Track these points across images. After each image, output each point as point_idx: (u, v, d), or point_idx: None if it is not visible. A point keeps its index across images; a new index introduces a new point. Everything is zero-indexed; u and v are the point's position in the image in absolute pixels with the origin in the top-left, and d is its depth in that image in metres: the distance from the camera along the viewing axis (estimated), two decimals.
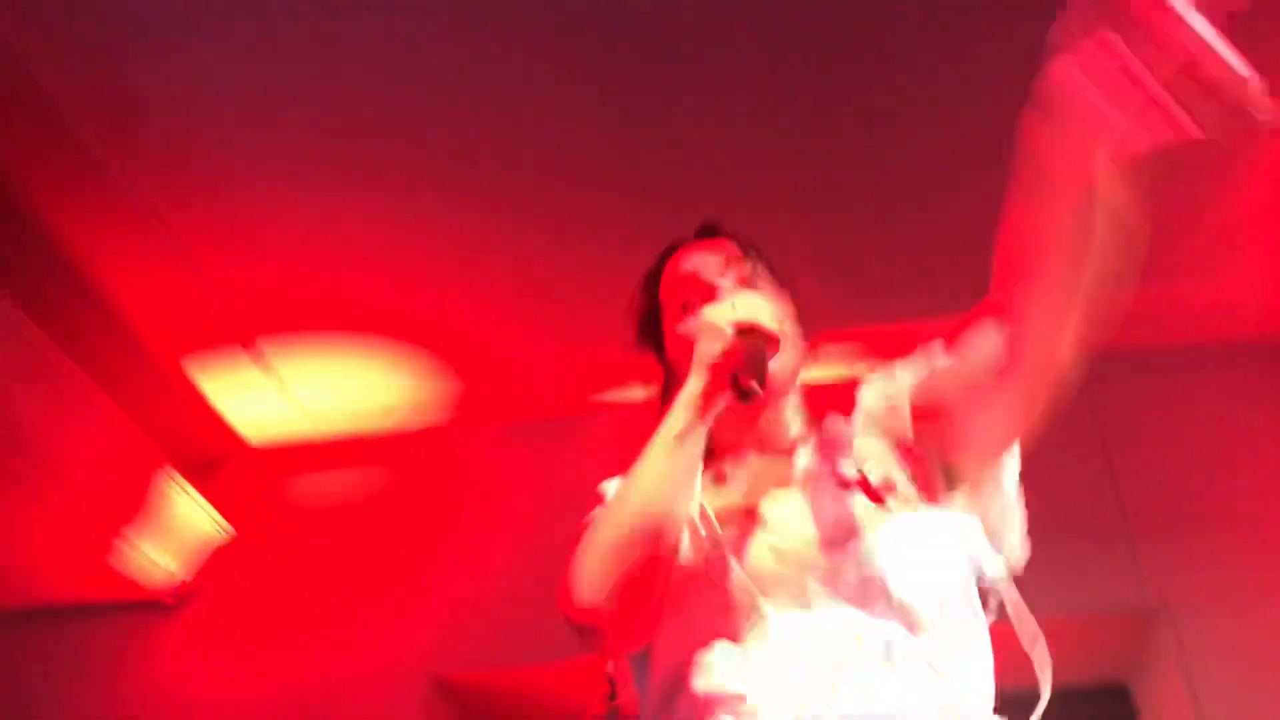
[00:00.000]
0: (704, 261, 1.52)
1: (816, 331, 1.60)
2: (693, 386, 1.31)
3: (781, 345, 1.36)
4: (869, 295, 3.85)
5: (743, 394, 1.29)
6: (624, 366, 4.11)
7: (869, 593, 1.26)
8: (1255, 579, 3.56)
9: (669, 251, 1.59)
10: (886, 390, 1.46)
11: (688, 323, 1.46)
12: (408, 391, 4.21)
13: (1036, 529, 4.15)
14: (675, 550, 1.30)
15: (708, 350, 1.31)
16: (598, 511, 1.38)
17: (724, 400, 1.30)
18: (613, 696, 3.15)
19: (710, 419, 1.31)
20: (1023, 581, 4.06)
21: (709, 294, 1.45)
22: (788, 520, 1.34)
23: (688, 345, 1.39)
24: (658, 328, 1.56)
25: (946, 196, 3.49)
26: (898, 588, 1.27)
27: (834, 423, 1.48)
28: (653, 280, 1.59)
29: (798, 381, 1.53)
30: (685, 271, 1.52)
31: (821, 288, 3.82)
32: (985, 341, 1.33)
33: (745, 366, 1.29)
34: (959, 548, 1.38)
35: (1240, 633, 3.54)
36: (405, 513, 4.31)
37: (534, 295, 3.79)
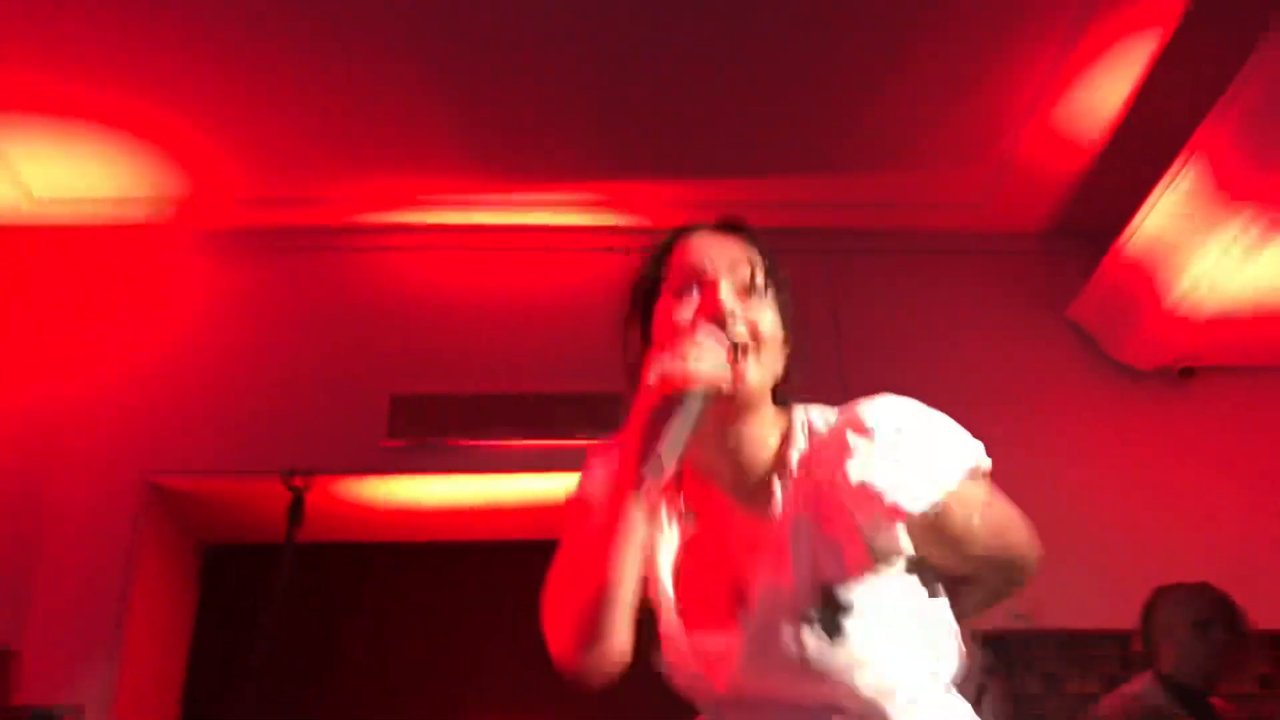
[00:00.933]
0: (715, 253, 1.48)
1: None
2: (619, 472, 1.32)
3: (749, 363, 1.37)
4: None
5: (649, 468, 1.26)
6: (352, 190, 4.17)
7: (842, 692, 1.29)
8: None
9: (685, 229, 1.54)
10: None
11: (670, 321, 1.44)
12: (138, 187, 4.09)
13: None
14: (643, 600, 1.34)
15: (633, 421, 1.32)
16: (560, 556, 1.38)
17: (651, 468, 1.28)
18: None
19: (650, 487, 1.30)
20: None
21: (708, 289, 1.42)
22: (772, 608, 1.32)
23: (666, 330, 1.41)
24: (651, 300, 1.52)
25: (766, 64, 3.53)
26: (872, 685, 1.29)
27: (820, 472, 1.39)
28: (661, 252, 1.54)
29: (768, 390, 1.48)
30: (693, 257, 1.47)
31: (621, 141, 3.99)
32: None
33: (654, 437, 1.27)
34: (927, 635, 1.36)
35: None
36: (126, 310, 4.14)
37: (266, 109, 3.77)
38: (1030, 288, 4.33)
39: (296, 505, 3.14)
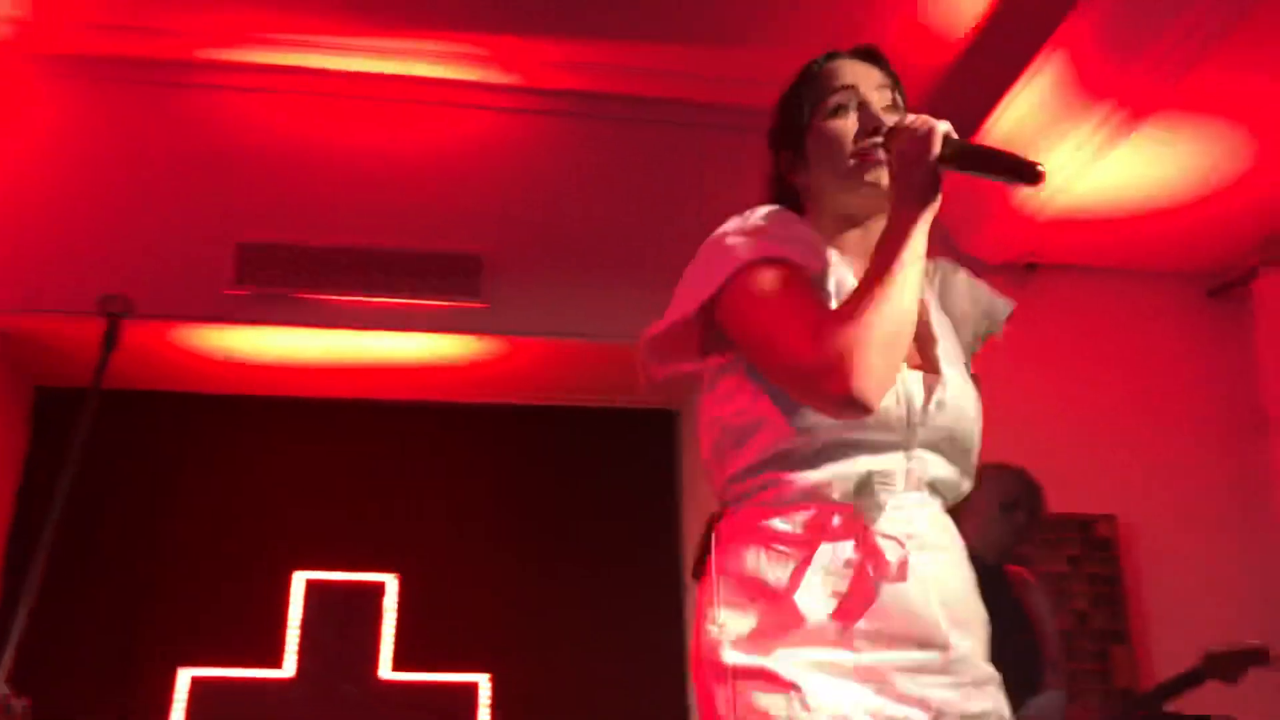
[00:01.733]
0: (863, 76, 1.64)
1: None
2: (920, 181, 1.43)
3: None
4: None
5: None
6: (208, 21, 3.93)
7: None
8: None
9: (827, 56, 1.70)
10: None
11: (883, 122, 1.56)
12: None
13: (620, 258, 4.37)
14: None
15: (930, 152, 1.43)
16: (850, 308, 1.42)
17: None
18: None
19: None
20: (603, 306, 4.27)
21: (864, 106, 1.60)
22: (959, 395, 1.54)
23: (832, 140, 1.59)
24: (799, 121, 1.65)
25: None
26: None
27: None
28: (806, 78, 1.68)
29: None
30: (845, 80, 1.64)
31: None
32: None
33: (930, 174, 1.43)
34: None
35: None
36: None
37: None
38: None
39: (112, 332, 2.96)
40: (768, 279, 1.49)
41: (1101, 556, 4.17)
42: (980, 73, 4.04)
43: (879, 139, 1.54)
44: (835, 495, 1.45)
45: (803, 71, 1.70)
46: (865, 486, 1.45)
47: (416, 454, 4.40)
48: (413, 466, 4.38)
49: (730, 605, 1.46)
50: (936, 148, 1.42)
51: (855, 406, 1.37)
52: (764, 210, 1.62)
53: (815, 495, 1.46)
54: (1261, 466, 4.26)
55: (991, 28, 3.92)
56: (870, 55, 1.70)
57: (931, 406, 1.49)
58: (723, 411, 1.56)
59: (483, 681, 4.09)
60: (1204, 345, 4.40)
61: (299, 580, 4.13)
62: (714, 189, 4.17)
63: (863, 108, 1.60)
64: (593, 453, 4.54)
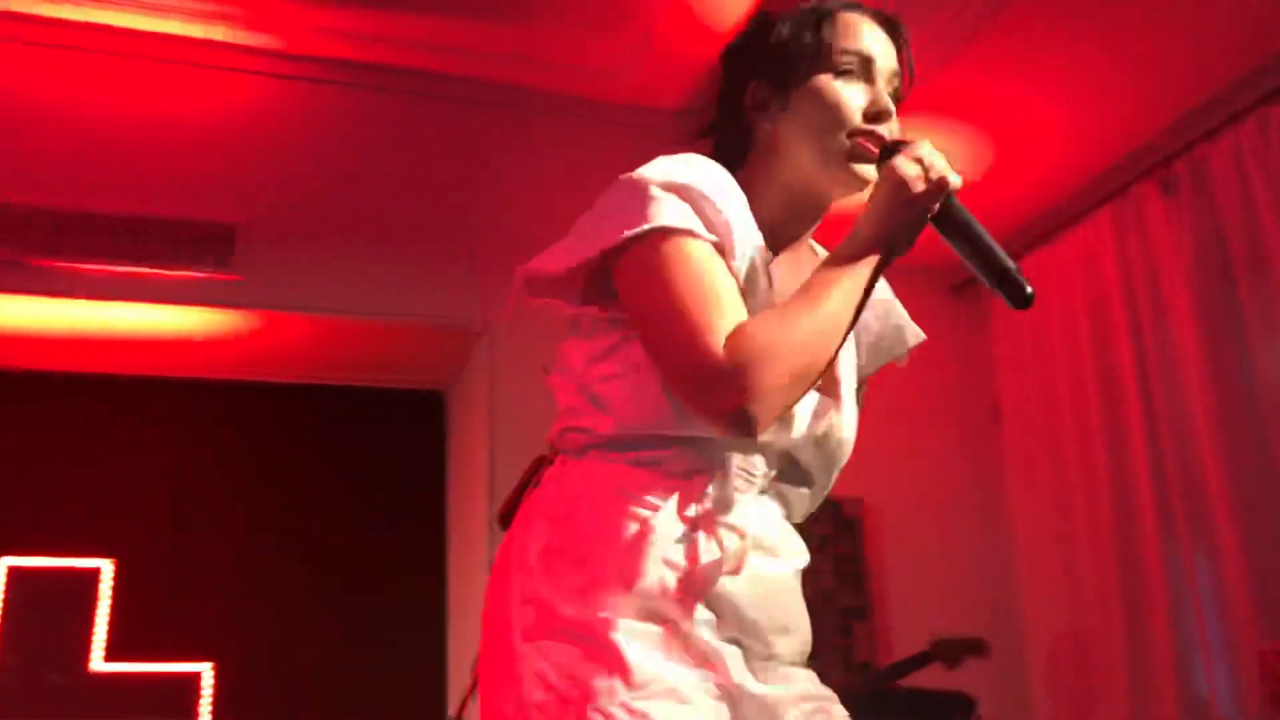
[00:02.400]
0: (882, 53, 1.45)
1: None
2: (904, 226, 1.31)
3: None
4: None
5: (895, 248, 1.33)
6: None
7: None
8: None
9: (849, 4, 1.48)
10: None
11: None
12: None
13: (389, 234, 4.26)
14: None
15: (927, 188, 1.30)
16: (774, 322, 1.28)
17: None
18: None
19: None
20: (369, 283, 4.17)
21: (876, 89, 1.43)
22: (843, 429, 1.48)
23: (833, 106, 1.40)
24: (795, 60, 1.44)
25: None
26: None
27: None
28: (820, 15, 1.46)
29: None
30: (864, 46, 1.44)
31: None
32: None
33: (911, 222, 1.32)
34: None
35: (540, 357, 3.92)
36: None
37: None
38: None
39: None
40: (683, 255, 1.31)
41: (848, 537, 4.37)
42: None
43: (886, 133, 1.41)
44: (690, 475, 1.35)
45: (816, 4, 1.48)
46: (723, 475, 1.36)
47: (159, 434, 4.18)
48: (152, 446, 4.15)
49: (554, 556, 1.34)
50: (938, 203, 1.30)
51: (741, 426, 1.25)
52: (704, 166, 1.39)
53: (670, 469, 1.35)
54: (996, 456, 4.56)
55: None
56: (894, 30, 1.49)
57: (818, 433, 1.42)
58: (591, 370, 1.40)
59: (206, 671, 3.93)
60: (947, 339, 4.65)
61: (1, 566, 3.86)
62: (489, 167, 4.12)
63: (875, 90, 1.43)
64: (354, 434, 4.42)
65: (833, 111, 1.41)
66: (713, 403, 1.26)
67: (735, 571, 1.33)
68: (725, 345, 1.25)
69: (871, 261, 1.31)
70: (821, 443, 1.44)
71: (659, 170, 1.37)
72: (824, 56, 1.43)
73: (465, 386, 4.30)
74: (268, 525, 4.20)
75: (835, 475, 1.51)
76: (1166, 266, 3.81)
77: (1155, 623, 3.76)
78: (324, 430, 4.41)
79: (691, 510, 1.34)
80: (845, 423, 1.47)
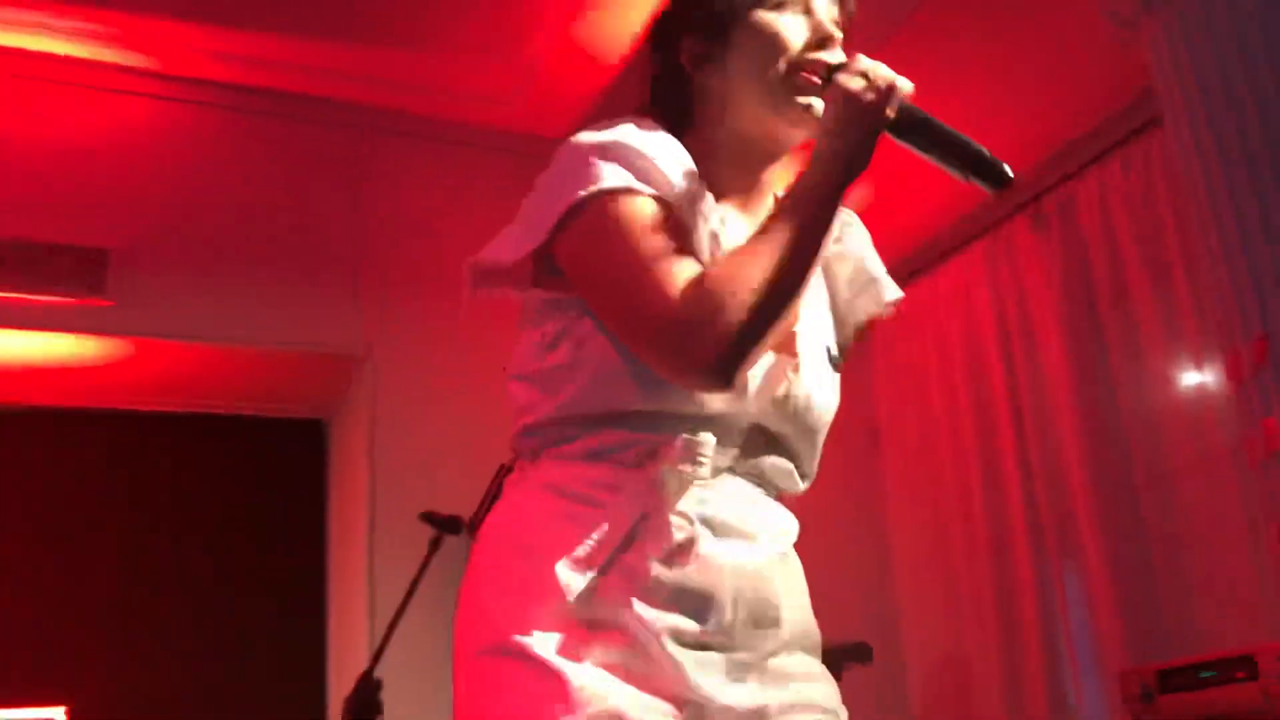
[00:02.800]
0: None
1: None
2: (859, 141, 1.25)
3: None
4: None
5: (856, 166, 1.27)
6: None
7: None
8: (446, 336, 3.88)
9: None
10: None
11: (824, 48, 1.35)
12: None
13: (268, 260, 4.18)
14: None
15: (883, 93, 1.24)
16: (735, 265, 1.22)
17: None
18: None
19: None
20: (249, 310, 4.09)
21: (814, 13, 1.36)
22: (806, 389, 1.36)
23: (772, 38, 1.33)
24: (727, 2, 1.37)
25: None
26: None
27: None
28: None
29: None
30: None
31: None
32: None
33: (867, 136, 1.26)
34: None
35: (423, 384, 3.90)
36: None
37: None
38: None
39: None
40: (625, 214, 1.24)
41: None
42: (634, 100, 4.16)
43: (828, 59, 1.33)
44: (641, 463, 1.26)
45: None
46: (676, 460, 1.25)
47: (31, 463, 4.02)
48: (23, 476, 3.99)
49: (497, 570, 1.28)
50: (893, 108, 1.24)
51: (714, 378, 1.19)
52: (630, 125, 1.33)
53: (615, 456, 1.27)
54: (876, 479, 4.66)
55: (642, 60, 4.05)
56: None
57: (776, 395, 1.31)
58: (546, 358, 1.32)
59: (58, 716, 3.75)
60: None
61: None
62: (373, 193, 4.08)
63: (813, 15, 1.36)
64: (232, 463, 4.31)
65: (771, 43, 1.34)
66: (682, 358, 1.19)
67: (683, 563, 1.24)
68: (684, 296, 1.19)
69: (830, 184, 1.24)
70: (782, 406, 1.32)
71: (587, 136, 1.32)
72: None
73: (347, 414, 4.23)
74: (144, 557, 4.05)
75: (818, 440, 1.40)
76: (1036, 297, 3.96)
77: (1028, 642, 3.88)
78: (202, 460, 4.28)
79: (639, 505, 1.25)
80: (810, 383, 1.35)
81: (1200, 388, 3.42)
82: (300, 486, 4.37)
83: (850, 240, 1.49)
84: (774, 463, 1.36)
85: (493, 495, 1.43)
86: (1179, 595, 3.45)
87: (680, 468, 1.25)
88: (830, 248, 1.34)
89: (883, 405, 4.68)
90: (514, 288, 1.35)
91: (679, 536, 1.24)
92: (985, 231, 4.20)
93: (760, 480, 1.37)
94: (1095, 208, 3.75)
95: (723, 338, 1.17)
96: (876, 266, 1.51)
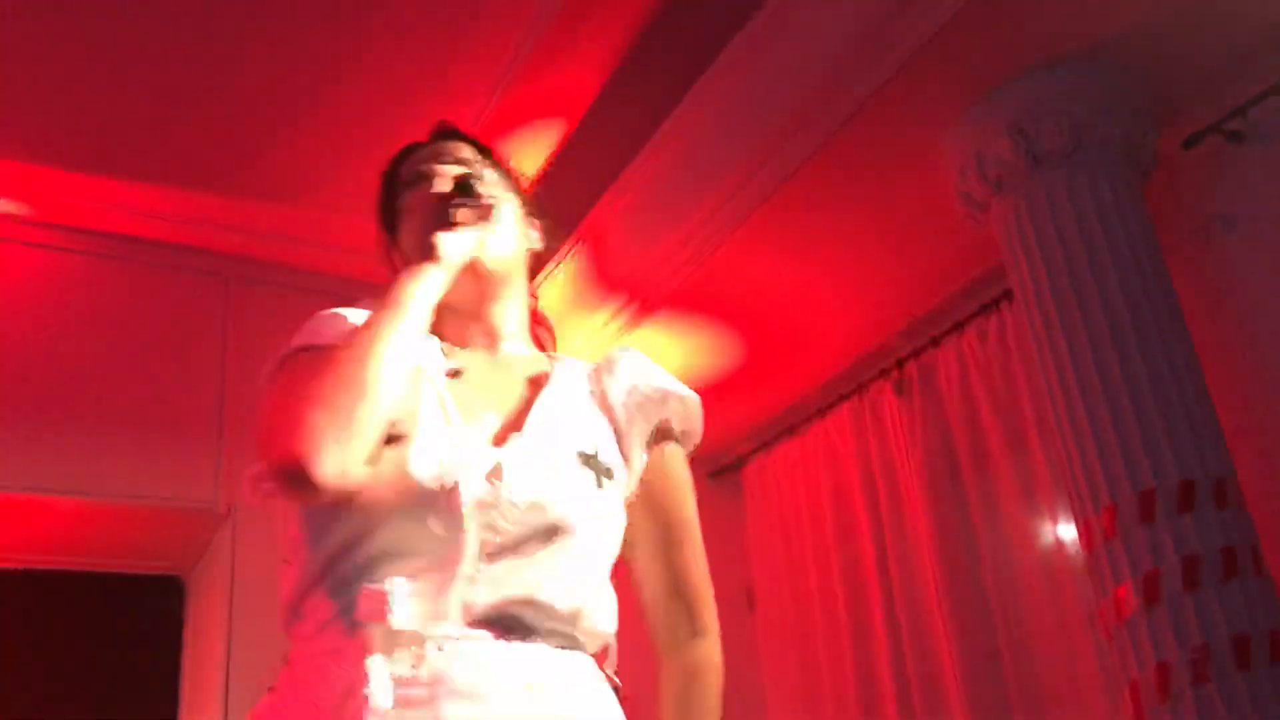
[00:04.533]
0: (437, 152, 1.55)
1: None
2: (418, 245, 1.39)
3: (496, 222, 1.46)
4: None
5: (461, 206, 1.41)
6: None
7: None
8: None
9: (406, 150, 1.59)
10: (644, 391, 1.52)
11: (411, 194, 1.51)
12: None
13: (127, 411, 4.05)
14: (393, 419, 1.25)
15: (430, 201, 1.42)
16: (309, 360, 1.29)
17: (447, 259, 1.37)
18: None
19: (435, 281, 1.35)
20: (104, 463, 3.94)
21: (429, 176, 1.50)
22: (527, 480, 1.28)
23: (411, 215, 1.49)
24: (392, 216, 1.56)
25: None
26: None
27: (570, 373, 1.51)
28: (389, 178, 1.58)
29: (522, 283, 1.57)
30: (418, 155, 1.55)
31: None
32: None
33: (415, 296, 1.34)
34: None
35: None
36: None
37: None
38: None
39: None
40: (287, 369, 1.35)
41: None
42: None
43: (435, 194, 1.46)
44: (349, 622, 1.17)
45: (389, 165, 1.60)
46: (376, 610, 1.16)
47: None
48: None
49: None
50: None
51: (293, 473, 1.13)
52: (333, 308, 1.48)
53: (330, 623, 1.19)
54: (750, 641, 4.63)
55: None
56: (443, 132, 1.60)
57: (497, 487, 1.23)
58: (279, 537, 1.32)
59: None
60: (705, 524, 4.74)
61: None
62: (237, 344, 4.03)
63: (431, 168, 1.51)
64: (84, 621, 4.11)
65: (409, 211, 1.50)
66: (269, 466, 1.18)
67: None
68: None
69: (405, 276, 1.36)
70: (506, 511, 1.23)
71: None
72: (402, 185, 1.54)
73: (205, 570, 4.07)
74: None
75: (574, 551, 1.29)
76: (901, 460, 4.05)
77: None
78: (56, 615, 4.07)
79: (341, 673, 1.14)
80: (537, 480, 1.27)
81: (1058, 551, 3.50)
82: (155, 643, 4.17)
83: (620, 368, 1.52)
84: (512, 597, 1.22)
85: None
86: None
87: (387, 622, 1.16)
88: (602, 379, 1.49)
89: (756, 567, 4.69)
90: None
91: (383, 703, 1.11)
92: (852, 393, 4.31)
93: (508, 625, 1.22)
94: (954, 375, 3.88)
95: (286, 431, 1.17)
96: (659, 380, 1.53)
